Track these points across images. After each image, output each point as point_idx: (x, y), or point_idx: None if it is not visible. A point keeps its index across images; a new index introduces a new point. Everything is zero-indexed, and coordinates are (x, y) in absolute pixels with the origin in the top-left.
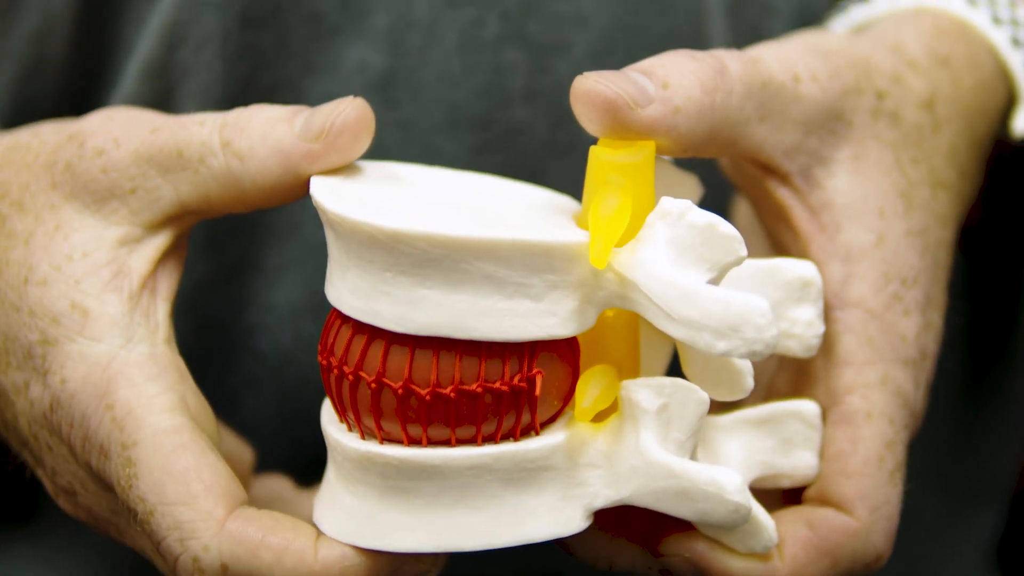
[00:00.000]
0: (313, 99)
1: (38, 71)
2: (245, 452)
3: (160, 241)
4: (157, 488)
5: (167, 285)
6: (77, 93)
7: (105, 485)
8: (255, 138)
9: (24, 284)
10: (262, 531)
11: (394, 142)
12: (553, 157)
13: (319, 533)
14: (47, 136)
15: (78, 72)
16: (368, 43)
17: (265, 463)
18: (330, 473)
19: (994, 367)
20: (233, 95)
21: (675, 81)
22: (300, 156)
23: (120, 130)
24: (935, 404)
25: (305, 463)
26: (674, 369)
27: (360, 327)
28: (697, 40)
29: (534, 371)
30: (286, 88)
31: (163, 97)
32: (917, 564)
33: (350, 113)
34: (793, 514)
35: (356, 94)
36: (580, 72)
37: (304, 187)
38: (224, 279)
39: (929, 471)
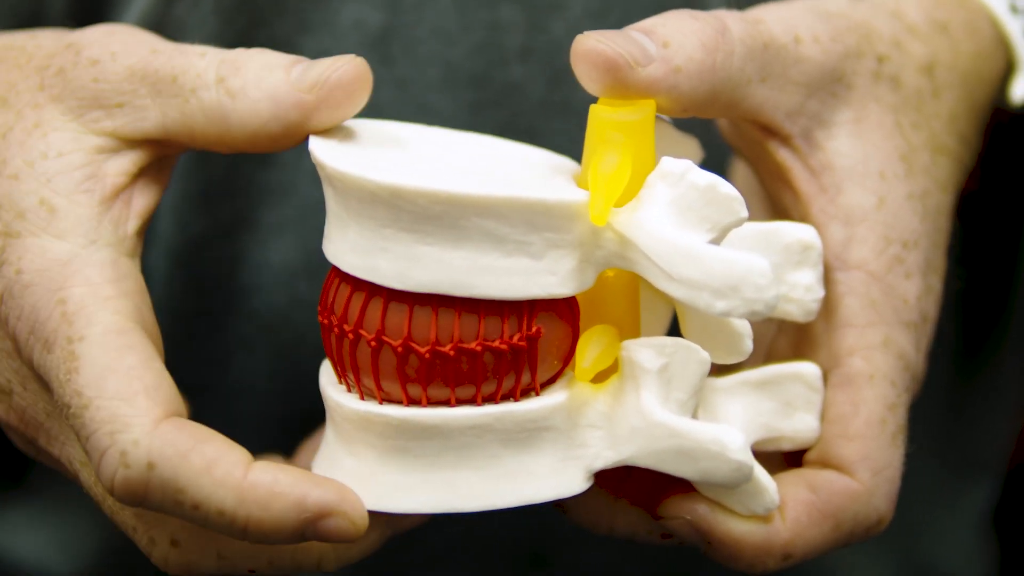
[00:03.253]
0: (308, 56)
1: (35, 25)
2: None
3: (138, 157)
4: (97, 382)
5: (142, 203)
6: None
7: (44, 384)
8: (250, 79)
9: None
10: (196, 439)
11: (390, 100)
12: (549, 116)
13: (254, 458)
14: (44, 41)
15: (75, 26)
16: (364, 0)
17: (257, 422)
18: (329, 435)
19: (989, 336)
20: None
21: (676, 40)
22: (291, 105)
23: (119, 45)
24: (930, 373)
25: (297, 423)
26: (673, 332)
27: (359, 285)
28: (694, 2)
29: (534, 329)
30: (281, 45)
31: None
32: (913, 532)
33: (347, 69)
34: (794, 476)
35: (352, 51)
36: (577, 31)
37: (290, 138)
38: (218, 237)
39: (924, 440)
